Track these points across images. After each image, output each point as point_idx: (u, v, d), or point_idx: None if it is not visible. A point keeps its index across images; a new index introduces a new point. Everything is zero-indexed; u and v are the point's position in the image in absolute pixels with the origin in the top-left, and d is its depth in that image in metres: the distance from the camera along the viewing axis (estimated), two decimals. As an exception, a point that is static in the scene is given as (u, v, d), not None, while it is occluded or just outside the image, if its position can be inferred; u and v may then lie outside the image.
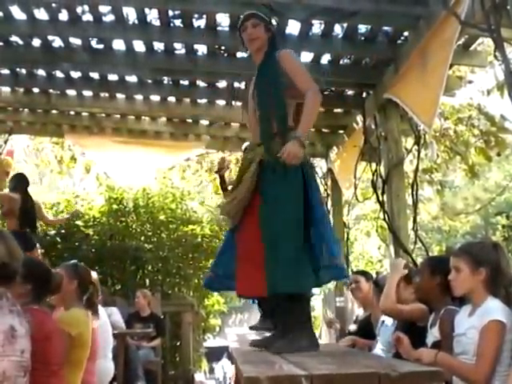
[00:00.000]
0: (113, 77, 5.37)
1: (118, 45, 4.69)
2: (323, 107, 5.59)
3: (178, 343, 7.63)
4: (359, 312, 4.56)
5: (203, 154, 7.71)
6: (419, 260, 4.24)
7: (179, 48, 4.66)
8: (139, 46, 4.67)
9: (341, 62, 4.75)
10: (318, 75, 4.52)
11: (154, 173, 7.43)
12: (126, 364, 5.26)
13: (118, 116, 6.25)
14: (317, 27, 4.25)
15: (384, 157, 4.58)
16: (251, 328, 5.43)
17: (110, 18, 4.29)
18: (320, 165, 6.92)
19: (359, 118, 5.24)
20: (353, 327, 4.41)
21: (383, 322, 3.65)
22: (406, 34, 4.21)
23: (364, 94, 5.10)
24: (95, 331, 3.47)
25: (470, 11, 3.15)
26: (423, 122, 3.83)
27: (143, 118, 6.27)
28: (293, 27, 4.26)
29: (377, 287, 3.75)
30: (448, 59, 3.47)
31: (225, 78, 5.18)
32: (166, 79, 5.37)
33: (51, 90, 5.69)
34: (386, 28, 4.21)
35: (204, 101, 5.73)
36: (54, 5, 4.21)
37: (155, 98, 5.73)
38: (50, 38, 4.67)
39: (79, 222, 8.03)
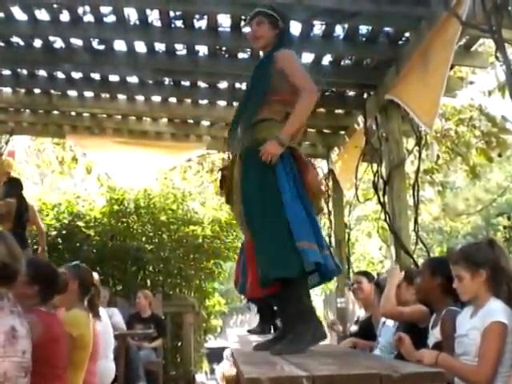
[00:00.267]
0: (114, 77, 5.37)
1: (119, 45, 4.71)
2: (324, 108, 5.60)
3: (179, 344, 7.62)
4: (360, 313, 4.56)
5: (204, 155, 7.71)
6: (420, 261, 4.23)
7: (180, 49, 4.66)
8: (140, 46, 4.68)
9: (342, 63, 4.74)
10: (319, 76, 4.54)
11: (155, 173, 7.43)
12: (127, 365, 5.27)
13: (119, 117, 6.25)
14: (318, 28, 4.25)
15: (385, 157, 4.58)
16: (249, 331, 5.44)
17: (111, 18, 4.29)
18: (321, 165, 6.92)
19: (360, 119, 5.24)
20: (354, 328, 4.40)
21: (384, 322, 3.65)
22: (407, 34, 4.21)
23: (365, 95, 5.09)
24: (96, 332, 3.47)
25: (471, 12, 3.15)
26: (424, 122, 3.83)
27: (144, 118, 6.27)
28: (294, 28, 4.27)
29: (378, 288, 3.75)
30: (449, 60, 3.46)
31: (226, 79, 5.18)
32: (167, 80, 5.37)
33: (52, 91, 5.69)
34: (387, 29, 4.21)
35: (205, 101, 5.73)
36: (55, 5, 4.21)
37: (156, 98, 5.73)
38: (51, 38, 4.67)
39: (80, 223, 8.03)
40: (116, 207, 8.21)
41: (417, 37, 3.96)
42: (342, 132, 6.04)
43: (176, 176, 8.55)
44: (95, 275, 3.89)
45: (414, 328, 3.01)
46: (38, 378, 2.25)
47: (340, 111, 5.76)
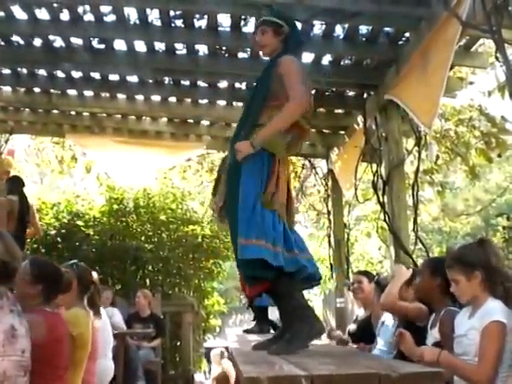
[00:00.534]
0: (114, 77, 5.38)
1: (119, 45, 4.71)
2: (324, 108, 5.61)
3: (178, 343, 7.63)
4: (359, 312, 4.55)
5: (204, 155, 7.71)
6: (420, 261, 4.23)
7: (180, 48, 4.66)
8: (140, 46, 4.68)
9: (342, 63, 4.74)
10: (319, 76, 4.54)
11: (154, 173, 7.43)
12: (126, 364, 5.27)
13: (119, 116, 6.25)
14: (318, 28, 4.26)
15: (385, 158, 4.58)
16: (246, 331, 5.45)
17: (111, 18, 4.29)
18: (320, 165, 6.93)
19: (360, 119, 5.24)
20: (352, 327, 4.40)
21: (383, 322, 3.65)
22: (407, 34, 4.21)
23: (365, 95, 5.10)
24: (96, 331, 3.47)
25: (471, 12, 3.15)
26: (423, 122, 3.83)
27: (144, 118, 6.27)
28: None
29: (378, 287, 3.74)
30: (449, 60, 3.46)
31: (226, 79, 5.18)
32: (166, 79, 5.37)
33: (52, 90, 5.70)
34: (387, 29, 4.21)
35: (205, 101, 5.73)
36: (55, 5, 4.21)
37: (156, 98, 5.74)
38: (51, 37, 4.68)
39: (80, 222, 8.04)
40: (115, 206, 8.21)
41: (417, 37, 3.96)
42: (342, 132, 6.04)
43: (175, 175, 8.56)
44: (94, 274, 3.89)
45: (413, 326, 3.01)
46: (39, 377, 2.25)
47: (340, 111, 5.76)
